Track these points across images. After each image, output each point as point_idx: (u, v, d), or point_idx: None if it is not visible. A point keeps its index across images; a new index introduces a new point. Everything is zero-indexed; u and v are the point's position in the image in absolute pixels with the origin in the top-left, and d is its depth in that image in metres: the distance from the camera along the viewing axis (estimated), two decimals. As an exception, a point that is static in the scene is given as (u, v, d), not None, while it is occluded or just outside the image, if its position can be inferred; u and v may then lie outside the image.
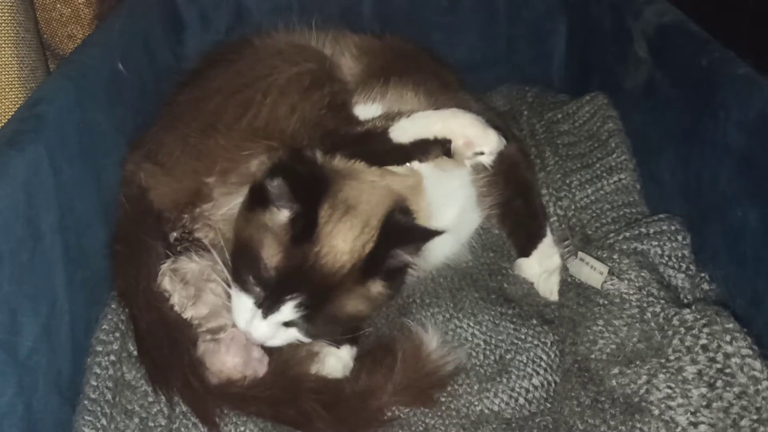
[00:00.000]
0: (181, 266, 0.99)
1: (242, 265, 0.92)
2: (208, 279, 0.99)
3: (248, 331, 0.92)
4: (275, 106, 1.03)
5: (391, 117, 1.02)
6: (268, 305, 0.90)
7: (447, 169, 1.02)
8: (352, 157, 0.98)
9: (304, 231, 0.89)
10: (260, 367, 0.94)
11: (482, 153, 0.99)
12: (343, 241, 0.90)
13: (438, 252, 1.06)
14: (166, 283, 0.98)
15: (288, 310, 0.89)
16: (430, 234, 0.93)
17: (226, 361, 0.93)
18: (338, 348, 0.97)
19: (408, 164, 1.01)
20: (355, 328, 0.99)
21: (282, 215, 0.91)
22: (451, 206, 1.05)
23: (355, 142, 0.99)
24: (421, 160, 1.00)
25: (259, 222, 0.92)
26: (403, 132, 0.99)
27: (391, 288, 0.95)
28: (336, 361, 0.96)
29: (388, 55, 1.18)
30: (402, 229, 0.93)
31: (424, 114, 1.01)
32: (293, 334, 0.92)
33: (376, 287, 0.93)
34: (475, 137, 0.98)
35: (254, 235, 0.91)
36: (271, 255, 0.89)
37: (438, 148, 0.99)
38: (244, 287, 0.92)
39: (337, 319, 0.92)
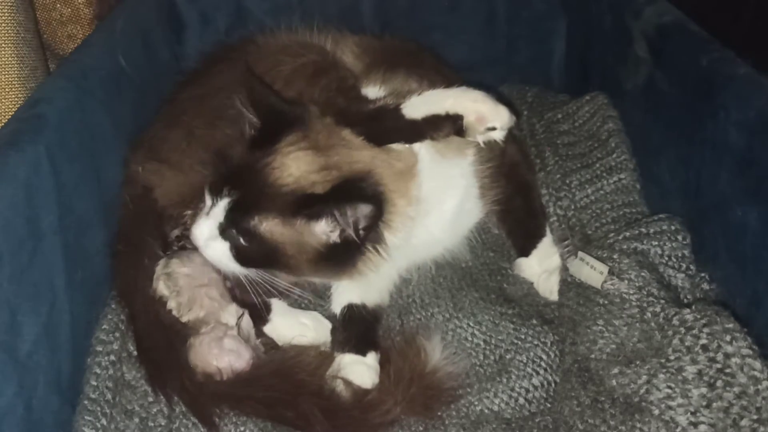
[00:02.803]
0: (174, 270, 0.99)
1: (216, 169, 0.94)
2: (201, 284, 0.98)
3: (191, 230, 0.93)
4: (281, 94, 1.02)
5: (402, 95, 1.01)
6: (212, 200, 0.92)
7: (448, 156, 1.02)
8: (363, 135, 0.97)
9: (261, 142, 0.92)
10: (237, 360, 0.93)
11: (494, 128, 0.98)
12: (296, 167, 0.91)
13: (436, 243, 1.06)
14: (162, 288, 0.99)
15: (222, 207, 0.90)
16: (376, 200, 0.89)
17: (201, 353, 0.93)
18: (364, 356, 0.97)
19: (414, 144, 1.00)
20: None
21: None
22: (450, 195, 1.04)
23: (367, 119, 0.99)
24: (433, 137, 0.99)
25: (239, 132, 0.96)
26: (415, 108, 0.98)
27: (332, 257, 0.92)
28: (365, 369, 0.96)
29: (388, 54, 1.18)
30: (354, 192, 0.90)
31: (436, 91, 1.00)
32: (224, 250, 0.91)
33: (308, 232, 0.90)
34: (487, 112, 0.97)
35: (232, 143, 0.96)
36: (235, 155, 0.94)
37: (450, 124, 0.98)
38: (210, 189, 0.93)
39: (257, 238, 0.90)
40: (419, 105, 0.98)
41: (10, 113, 1.09)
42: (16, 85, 1.13)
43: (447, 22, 1.50)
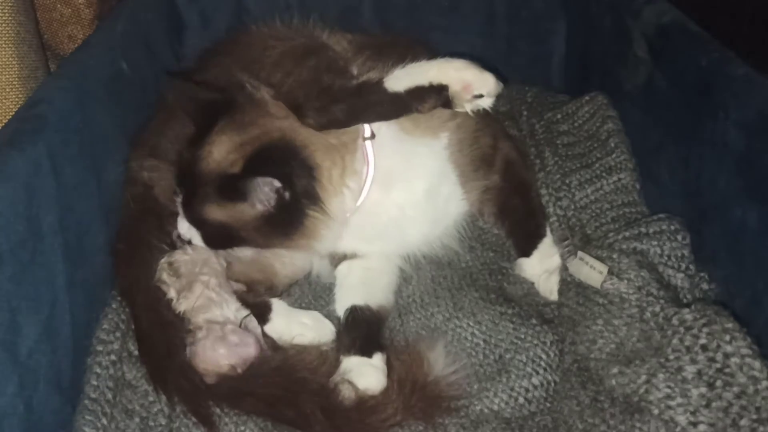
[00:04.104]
0: (176, 258, 1.01)
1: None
2: (200, 272, 0.99)
3: (177, 227, 1.00)
4: (268, 77, 1.02)
5: (386, 70, 0.99)
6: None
7: (414, 134, 1.00)
8: (348, 112, 0.97)
9: (197, 139, 0.96)
10: (246, 350, 0.94)
11: (481, 96, 0.96)
12: (218, 151, 0.94)
13: (413, 223, 1.04)
14: (165, 276, 0.99)
15: (179, 204, 0.98)
16: (288, 158, 0.93)
17: (209, 358, 0.93)
18: (370, 358, 0.96)
19: None
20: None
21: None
22: (417, 175, 1.02)
23: (350, 95, 0.97)
24: (418, 110, 0.97)
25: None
26: (397, 81, 0.97)
27: (275, 224, 0.94)
28: (372, 370, 0.95)
29: (379, 45, 1.17)
30: (267, 157, 0.93)
31: (419, 63, 0.98)
32: (198, 237, 0.99)
33: (241, 209, 0.94)
34: (473, 79, 0.96)
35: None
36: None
37: (435, 95, 0.96)
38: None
39: (207, 225, 0.96)
40: (402, 77, 0.97)
41: (10, 113, 1.09)
42: (17, 86, 1.14)
43: (447, 22, 1.50)
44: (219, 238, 0.98)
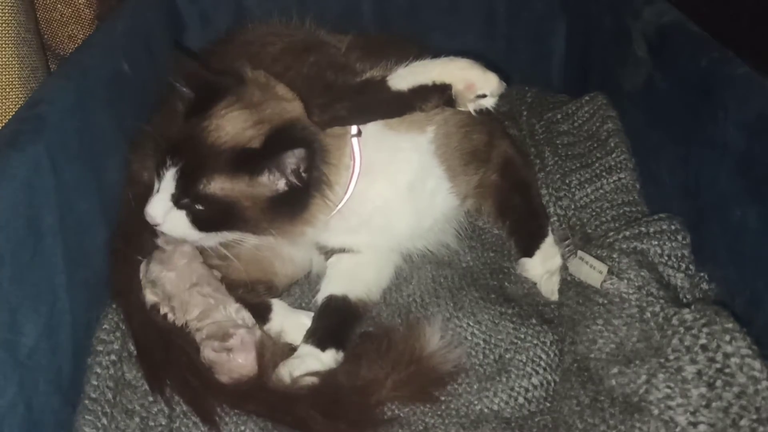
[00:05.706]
0: (157, 276, 0.98)
1: (157, 148, 0.96)
2: (191, 284, 0.98)
3: (146, 210, 0.94)
4: (267, 70, 1.02)
5: (389, 68, 1.00)
6: (159, 176, 0.93)
7: (398, 129, 1.01)
8: (351, 110, 0.97)
9: (196, 111, 0.94)
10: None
11: (484, 96, 0.97)
12: (231, 125, 0.93)
13: (398, 215, 1.04)
14: (150, 295, 0.98)
15: (170, 178, 0.92)
16: (311, 137, 0.93)
17: (244, 365, 0.93)
18: (322, 351, 0.97)
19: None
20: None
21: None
22: (400, 169, 1.02)
23: (354, 93, 0.98)
24: (421, 109, 0.97)
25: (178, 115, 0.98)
26: (401, 79, 0.97)
27: (285, 204, 0.93)
28: (315, 363, 0.95)
29: (379, 47, 1.17)
30: (291, 135, 0.93)
31: (422, 61, 0.99)
32: (183, 219, 0.93)
33: (255, 184, 0.92)
34: (476, 79, 0.96)
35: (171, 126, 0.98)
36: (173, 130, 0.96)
37: (438, 94, 0.97)
38: (157, 172, 0.94)
39: (210, 199, 0.92)
40: (405, 76, 0.97)
41: (10, 113, 1.10)
42: (17, 86, 1.14)
43: (447, 23, 1.50)
44: (214, 217, 0.93)
